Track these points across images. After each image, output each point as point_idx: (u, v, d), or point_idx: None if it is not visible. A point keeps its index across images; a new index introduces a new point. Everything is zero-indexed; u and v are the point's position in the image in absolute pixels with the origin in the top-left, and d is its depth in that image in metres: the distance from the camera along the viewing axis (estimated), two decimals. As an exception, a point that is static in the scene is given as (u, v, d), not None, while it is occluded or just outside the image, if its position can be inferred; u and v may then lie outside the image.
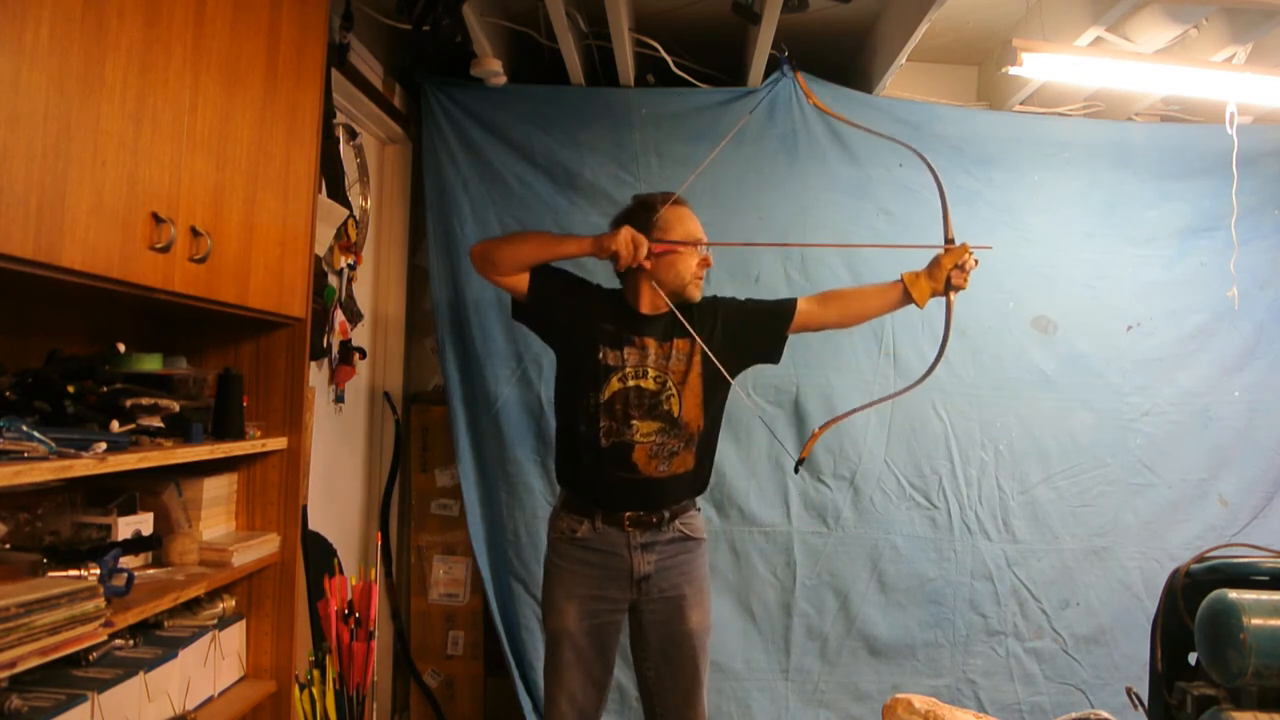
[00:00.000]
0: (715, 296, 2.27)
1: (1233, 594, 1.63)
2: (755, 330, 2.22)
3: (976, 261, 2.16)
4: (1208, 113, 3.12)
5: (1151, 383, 3.12)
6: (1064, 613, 3.06)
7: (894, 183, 3.08)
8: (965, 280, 2.16)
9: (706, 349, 2.10)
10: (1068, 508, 3.08)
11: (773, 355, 2.27)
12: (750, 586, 2.98)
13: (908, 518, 3.03)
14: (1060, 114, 3.19)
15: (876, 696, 2.94)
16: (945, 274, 2.15)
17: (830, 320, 2.27)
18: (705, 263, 2.15)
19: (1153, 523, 3.10)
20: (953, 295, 2.19)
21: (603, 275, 2.33)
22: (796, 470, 2.37)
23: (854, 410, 2.43)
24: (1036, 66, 2.46)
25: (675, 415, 2.10)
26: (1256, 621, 1.57)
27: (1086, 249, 3.13)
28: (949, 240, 2.18)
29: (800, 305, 2.22)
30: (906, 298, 2.19)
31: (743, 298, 2.29)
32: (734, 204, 3.01)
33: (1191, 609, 1.73)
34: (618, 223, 2.20)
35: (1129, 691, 1.87)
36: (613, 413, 2.08)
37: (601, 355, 2.10)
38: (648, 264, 2.11)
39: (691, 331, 2.09)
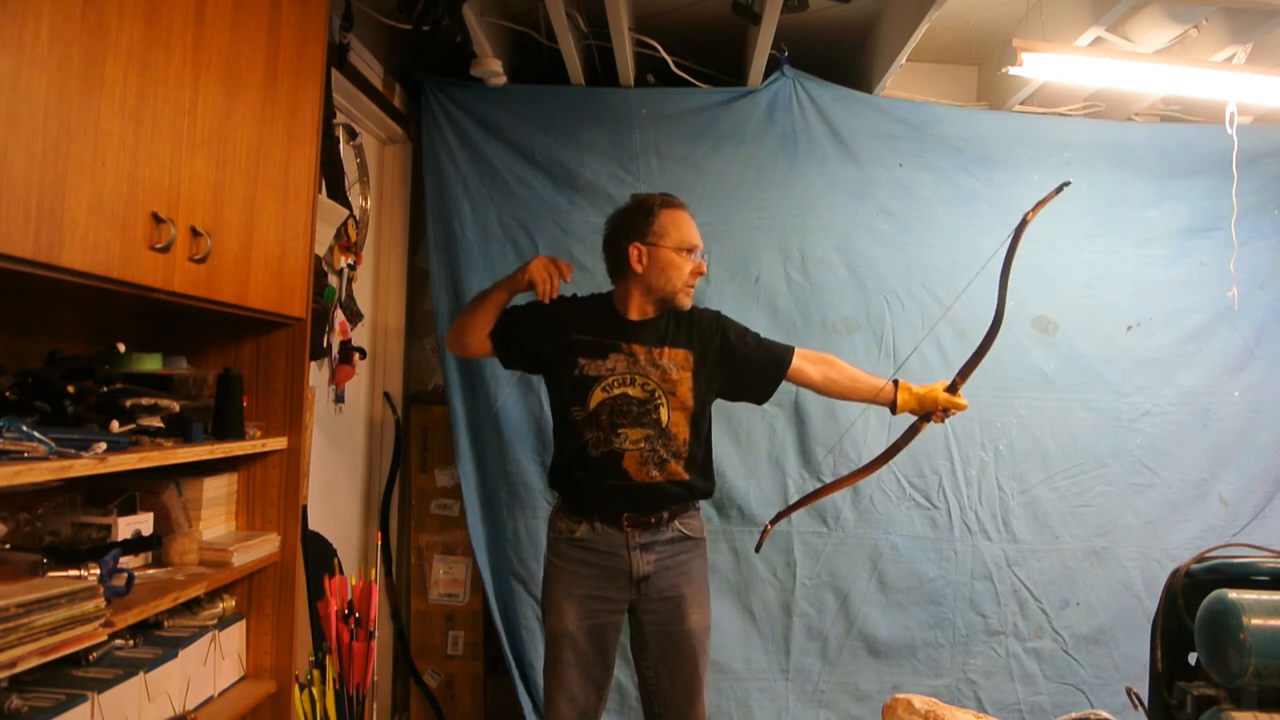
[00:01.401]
0: (719, 313, 2.25)
1: (1233, 594, 1.63)
2: (753, 373, 2.22)
3: (963, 409, 2.23)
4: (1208, 113, 3.12)
5: (1151, 383, 3.12)
6: (1064, 613, 3.06)
7: (894, 183, 3.08)
8: (944, 420, 2.24)
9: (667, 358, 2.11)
10: (1068, 508, 3.08)
11: (762, 399, 2.28)
12: (750, 586, 2.98)
13: (908, 518, 3.03)
14: (1060, 114, 3.19)
15: (876, 696, 2.94)
16: (934, 408, 2.20)
17: (814, 384, 2.26)
18: (698, 270, 2.13)
19: (1153, 523, 3.10)
20: (924, 425, 2.23)
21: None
22: (757, 550, 2.45)
23: (801, 502, 2.42)
24: (1036, 66, 2.46)
25: (664, 425, 2.08)
26: (1256, 621, 1.57)
27: (1086, 249, 3.13)
28: (954, 385, 2.23)
29: (795, 361, 2.22)
30: (890, 400, 2.21)
31: (746, 327, 2.27)
32: (734, 204, 3.01)
33: (1191, 609, 1.73)
34: (612, 222, 2.19)
35: (1129, 691, 1.88)
36: (599, 423, 2.07)
37: (580, 369, 2.08)
38: (639, 267, 2.11)
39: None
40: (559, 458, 2.18)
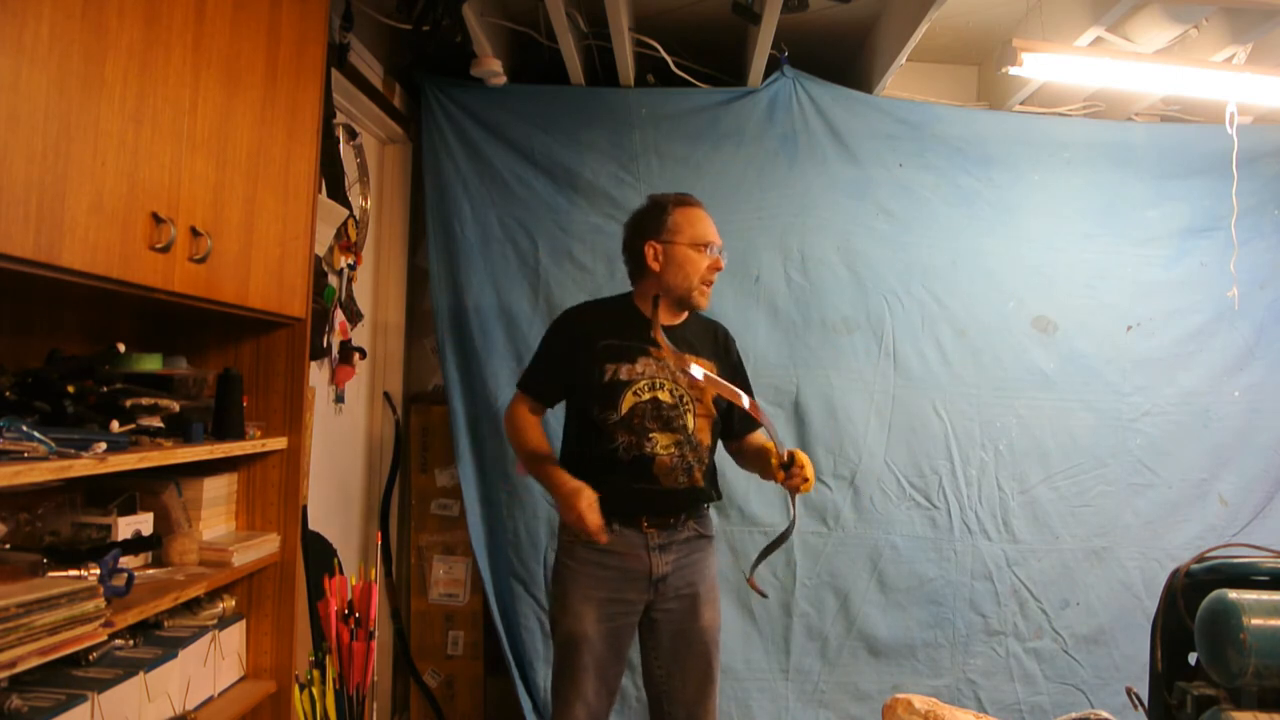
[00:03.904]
0: (728, 332, 2.26)
1: (1233, 594, 1.63)
2: (738, 410, 2.18)
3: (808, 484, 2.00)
4: (1208, 113, 3.12)
5: (1151, 383, 3.12)
6: (1064, 613, 3.06)
7: (894, 183, 3.09)
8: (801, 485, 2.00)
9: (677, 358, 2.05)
10: (1068, 508, 3.08)
11: (728, 434, 2.24)
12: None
13: (908, 518, 3.03)
14: (1060, 114, 3.19)
15: (876, 696, 2.94)
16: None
17: (742, 452, 2.24)
18: (715, 266, 2.11)
19: (1153, 523, 3.10)
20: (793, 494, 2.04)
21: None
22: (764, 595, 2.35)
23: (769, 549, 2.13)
24: (1036, 66, 2.46)
25: (690, 430, 2.08)
26: (1256, 621, 1.57)
27: (1086, 249, 3.13)
28: (780, 459, 2.01)
29: (758, 431, 2.19)
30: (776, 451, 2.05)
31: (742, 352, 2.30)
32: (734, 204, 3.01)
33: (1191, 609, 1.72)
34: (629, 225, 2.19)
35: (1129, 691, 1.87)
36: (631, 427, 2.05)
37: (611, 373, 2.06)
38: (655, 265, 2.10)
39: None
40: (578, 460, 2.14)
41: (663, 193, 2.21)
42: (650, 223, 2.12)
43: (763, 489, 2.98)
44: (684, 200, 2.15)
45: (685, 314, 2.17)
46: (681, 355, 1.99)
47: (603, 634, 2.07)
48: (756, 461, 2.17)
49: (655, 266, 2.10)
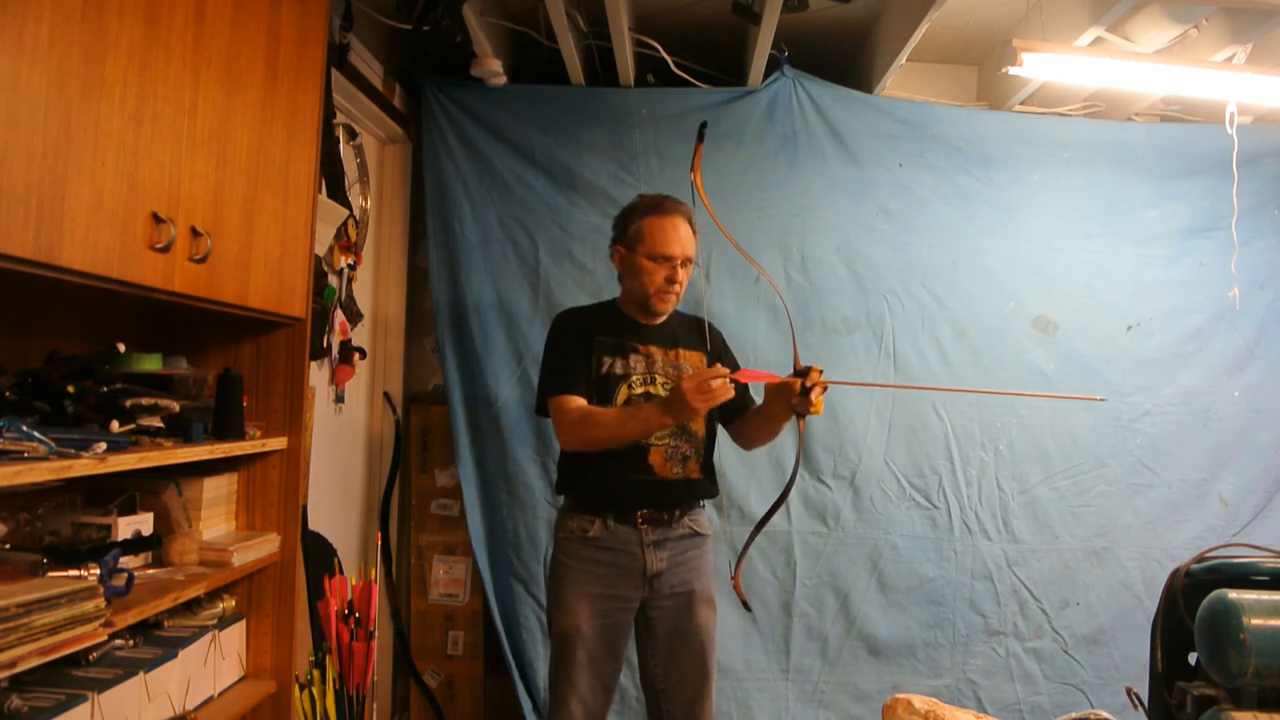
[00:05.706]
0: (711, 323, 2.26)
1: (1233, 594, 1.63)
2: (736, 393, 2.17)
3: (825, 387, 1.94)
4: (1208, 113, 3.12)
5: (1151, 383, 3.12)
6: (1064, 613, 3.06)
7: (894, 183, 3.08)
8: (812, 407, 1.94)
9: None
10: (1068, 508, 3.08)
11: (725, 419, 2.24)
12: (750, 586, 2.97)
13: (908, 518, 3.03)
14: (1060, 114, 3.19)
15: (876, 696, 2.94)
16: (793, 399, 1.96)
17: (738, 441, 2.26)
18: (672, 278, 2.10)
19: (1153, 523, 3.10)
20: (801, 422, 2.04)
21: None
22: (748, 607, 2.35)
23: (752, 537, 2.11)
24: (1036, 66, 2.46)
25: (685, 422, 2.10)
26: (1256, 621, 1.57)
27: (1086, 249, 3.13)
28: (796, 369, 1.98)
29: (749, 408, 2.20)
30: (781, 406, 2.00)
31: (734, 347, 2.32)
32: (734, 204, 3.01)
33: (1191, 609, 1.72)
34: (615, 224, 2.21)
35: (1129, 691, 1.87)
36: None
37: (608, 366, 2.10)
38: (619, 269, 2.16)
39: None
40: (575, 455, 2.14)
41: (648, 193, 2.23)
42: (621, 226, 2.17)
43: (763, 489, 2.98)
44: (658, 207, 2.13)
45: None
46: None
47: (597, 630, 2.08)
48: (759, 419, 2.14)
49: (619, 270, 2.17)
